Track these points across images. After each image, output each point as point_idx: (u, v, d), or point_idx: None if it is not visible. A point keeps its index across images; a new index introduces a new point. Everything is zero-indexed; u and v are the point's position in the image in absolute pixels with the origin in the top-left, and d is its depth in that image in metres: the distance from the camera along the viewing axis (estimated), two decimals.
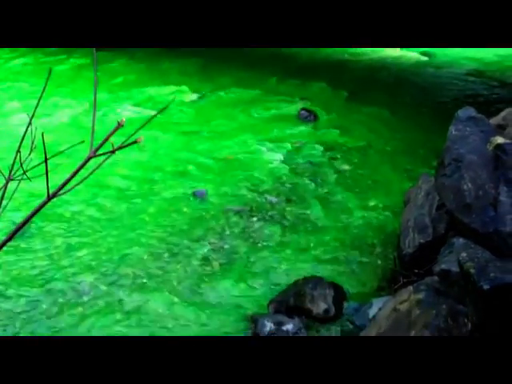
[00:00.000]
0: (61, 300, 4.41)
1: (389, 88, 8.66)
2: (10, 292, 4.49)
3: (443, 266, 3.79)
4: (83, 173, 1.56)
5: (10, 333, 4.07)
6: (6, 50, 9.86)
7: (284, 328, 4.04)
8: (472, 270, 3.21)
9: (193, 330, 4.14)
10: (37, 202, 1.59)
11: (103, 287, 4.55)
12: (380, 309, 3.99)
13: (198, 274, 4.74)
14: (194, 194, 5.82)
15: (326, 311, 4.27)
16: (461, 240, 3.95)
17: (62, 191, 1.52)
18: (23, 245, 4.99)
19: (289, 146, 6.89)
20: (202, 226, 5.34)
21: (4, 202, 1.61)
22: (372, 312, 4.15)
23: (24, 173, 1.58)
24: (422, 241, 4.52)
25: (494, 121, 4.98)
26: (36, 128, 1.56)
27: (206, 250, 5.00)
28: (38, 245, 5.02)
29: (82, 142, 1.79)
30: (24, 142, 1.59)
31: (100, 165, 1.56)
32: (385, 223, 5.44)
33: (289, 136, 7.16)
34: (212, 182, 6.06)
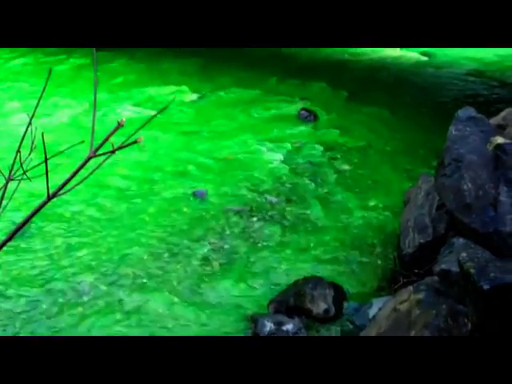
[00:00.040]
0: (61, 300, 4.41)
1: (389, 88, 8.66)
2: (10, 292, 4.49)
3: (443, 266, 3.79)
4: (83, 173, 1.56)
5: (9, 333, 4.07)
6: (6, 49, 9.86)
7: (284, 328, 4.04)
8: (472, 270, 3.21)
9: (193, 330, 4.14)
10: (37, 202, 1.59)
11: (103, 287, 4.55)
12: (380, 309, 3.99)
13: (198, 273, 4.74)
14: (194, 194, 5.82)
15: (326, 311, 4.27)
16: (461, 240, 3.95)
17: (62, 191, 1.52)
18: (23, 245, 4.99)
19: (289, 145, 6.89)
20: (202, 226, 5.34)
21: (4, 202, 1.61)
22: (372, 312, 4.15)
23: (24, 173, 1.58)
24: (421, 241, 4.52)
25: (494, 121, 4.98)
26: (36, 128, 1.56)
27: (205, 250, 5.00)
28: (38, 245, 5.02)
29: (82, 141, 1.79)
30: (24, 142, 1.59)
31: (100, 165, 1.56)
32: (385, 223, 5.44)
33: (289, 136, 7.16)
34: (212, 182, 6.06)
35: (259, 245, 5.10)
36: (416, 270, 4.40)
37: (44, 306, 4.34)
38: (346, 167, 6.46)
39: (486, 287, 3.07)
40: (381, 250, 5.06)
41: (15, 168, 1.60)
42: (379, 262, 4.93)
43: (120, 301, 4.42)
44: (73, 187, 1.57)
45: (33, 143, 1.60)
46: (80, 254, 4.93)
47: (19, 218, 4.86)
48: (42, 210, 1.59)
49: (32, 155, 1.65)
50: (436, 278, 3.79)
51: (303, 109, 7.81)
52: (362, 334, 3.93)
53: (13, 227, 1.92)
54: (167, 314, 4.30)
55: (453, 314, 3.41)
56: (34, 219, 5.03)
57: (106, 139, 1.47)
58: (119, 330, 4.13)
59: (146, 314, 4.30)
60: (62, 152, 1.88)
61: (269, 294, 4.50)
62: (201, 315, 4.30)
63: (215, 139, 7.05)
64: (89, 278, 4.63)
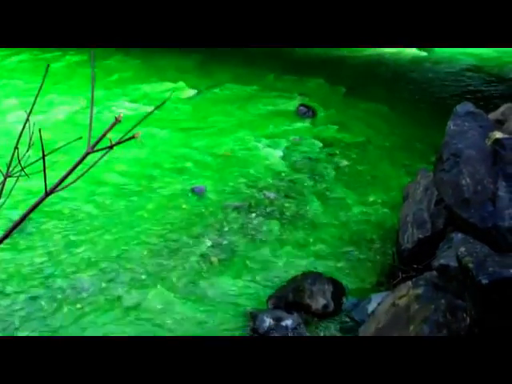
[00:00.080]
0: (60, 297, 4.41)
1: (387, 83, 8.66)
2: (9, 289, 4.48)
3: (442, 261, 3.79)
4: (81, 169, 1.55)
5: (9, 330, 4.07)
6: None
7: (283, 323, 4.04)
8: (471, 265, 3.21)
9: (192, 326, 4.14)
10: (34, 200, 1.58)
11: (102, 284, 4.54)
12: (379, 304, 3.99)
13: (197, 270, 4.74)
14: (193, 191, 5.82)
15: (325, 307, 4.28)
16: (459, 235, 3.95)
17: (59, 187, 1.52)
18: (22, 242, 4.98)
19: (287, 142, 6.88)
20: (201, 222, 5.34)
21: (2, 200, 1.60)
22: (371, 307, 4.15)
23: (22, 169, 1.57)
24: (420, 236, 4.52)
25: (492, 116, 4.98)
26: (34, 124, 1.56)
27: (204, 247, 4.99)
28: (37, 242, 5.01)
29: (80, 138, 1.78)
30: (21, 139, 1.58)
31: (97, 161, 1.55)
32: (383, 219, 5.44)
33: (287, 132, 7.15)
34: (210, 179, 6.06)
35: (258, 241, 5.10)
36: (415, 265, 4.40)
37: (43, 303, 4.34)
38: (345, 163, 6.45)
39: (484, 282, 3.08)
40: (380, 245, 5.07)
41: (12, 165, 1.60)
42: (378, 257, 4.93)
43: (119, 297, 4.41)
44: (70, 183, 1.56)
45: (30, 140, 1.59)
46: (79, 250, 4.92)
47: (16, 215, 4.86)
48: (41, 207, 1.59)
49: (30, 152, 1.64)
50: (435, 273, 3.80)
51: (302, 105, 7.80)
52: (361, 329, 3.93)
53: (10, 225, 1.92)
54: (166, 311, 4.30)
55: (451, 309, 3.42)
56: (32, 216, 5.03)
57: (104, 135, 1.46)
58: (118, 327, 4.13)
59: (145, 310, 4.30)
60: (59, 148, 1.87)
61: (268, 290, 4.50)
62: (200, 311, 4.30)
63: (213, 135, 7.04)
64: (88, 275, 4.62)
